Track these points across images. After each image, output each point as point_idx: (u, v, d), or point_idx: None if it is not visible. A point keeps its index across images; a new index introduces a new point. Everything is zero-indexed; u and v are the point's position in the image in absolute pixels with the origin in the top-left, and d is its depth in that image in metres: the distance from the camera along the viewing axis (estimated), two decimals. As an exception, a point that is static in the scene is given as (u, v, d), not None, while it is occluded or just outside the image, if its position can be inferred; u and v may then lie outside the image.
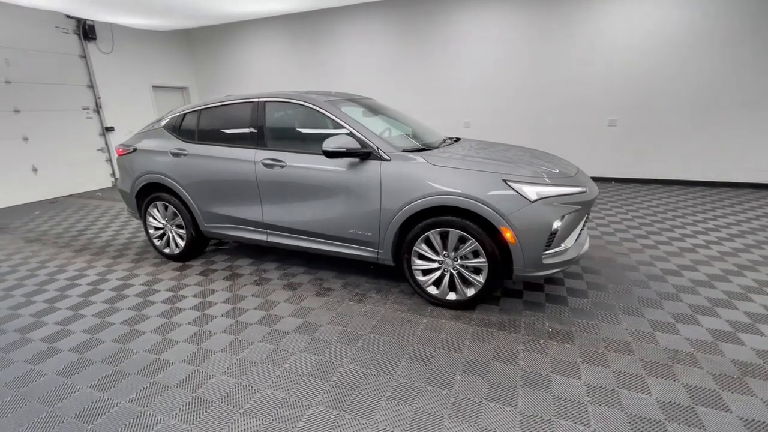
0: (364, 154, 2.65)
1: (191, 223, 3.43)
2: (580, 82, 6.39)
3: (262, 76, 8.80)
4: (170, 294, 3.00)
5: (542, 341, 2.26)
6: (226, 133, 3.26)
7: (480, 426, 1.68)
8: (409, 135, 3.39)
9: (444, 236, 2.51)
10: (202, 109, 3.39)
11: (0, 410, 1.86)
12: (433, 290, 2.65)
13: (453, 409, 1.78)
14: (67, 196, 7.00)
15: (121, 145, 3.74)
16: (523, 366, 2.06)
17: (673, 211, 4.75)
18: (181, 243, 3.55)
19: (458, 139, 3.59)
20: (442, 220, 2.47)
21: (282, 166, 2.91)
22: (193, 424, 1.74)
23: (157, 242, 3.68)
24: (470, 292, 2.55)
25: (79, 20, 7.07)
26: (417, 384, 1.95)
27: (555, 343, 2.24)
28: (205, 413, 1.80)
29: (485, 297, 2.54)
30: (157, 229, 3.65)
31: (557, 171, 2.60)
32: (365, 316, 2.59)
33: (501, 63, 6.79)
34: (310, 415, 1.77)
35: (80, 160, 7.32)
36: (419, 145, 3.00)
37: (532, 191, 2.32)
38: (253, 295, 2.93)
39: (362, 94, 3.98)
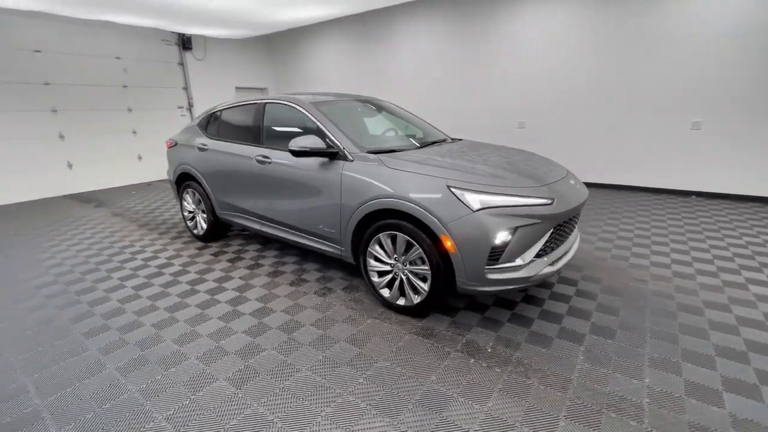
0: (330, 153, 2.75)
1: (210, 210, 3.92)
2: (659, 80, 5.46)
3: (327, 76, 9.36)
4: (180, 269, 3.50)
5: (472, 361, 2.11)
6: (236, 132, 3.65)
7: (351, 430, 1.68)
8: (410, 135, 3.38)
9: (394, 240, 2.48)
10: (222, 109, 3.84)
11: (126, 367, 2.17)
12: (385, 293, 2.64)
13: (335, 408, 1.80)
14: (160, 180, 8.42)
15: (169, 139, 4.42)
16: (433, 380, 1.96)
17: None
18: (205, 226, 4.07)
19: (459, 140, 3.48)
20: (391, 223, 2.44)
21: (269, 163, 3.17)
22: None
23: (189, 223, 4.29)
24: (417, 299, 2.48)
25: (179, 34, 8.41)
26: (318, 378, 2.00)
27: (484, 364, 2.08)
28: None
29: (432, 305, 2.44)
30: (189, 212, 4.25)
31: (527, 179, 2.36)
32: (317, 309, 2.70)
33: (564, 61, 6.16)
34: (215, 387, 1.96)
35: (174, 151, 8.73)
36: (404, 145, 3.00)
37: (474, 200, 2.17)
38: (239, 277, 3.26)
39: (401, 93, 4.04)
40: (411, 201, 2.30)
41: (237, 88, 9.82)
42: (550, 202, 2.27)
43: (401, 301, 2.56)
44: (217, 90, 9.28)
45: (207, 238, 4.12)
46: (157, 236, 4.47)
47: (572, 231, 2.73)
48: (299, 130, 3.14)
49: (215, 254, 3.82)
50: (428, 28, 7.42)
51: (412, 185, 2.35)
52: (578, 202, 2.46)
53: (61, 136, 7.06)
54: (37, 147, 6.79)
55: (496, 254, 2.17)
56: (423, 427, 1.68)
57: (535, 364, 2.07)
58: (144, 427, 1.73)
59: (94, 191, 7.38)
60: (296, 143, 2.70)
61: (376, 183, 2.49)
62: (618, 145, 5.99)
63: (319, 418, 1.75)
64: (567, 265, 2.93)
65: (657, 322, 2.40)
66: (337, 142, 2.77)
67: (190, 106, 8.88)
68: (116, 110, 7.73)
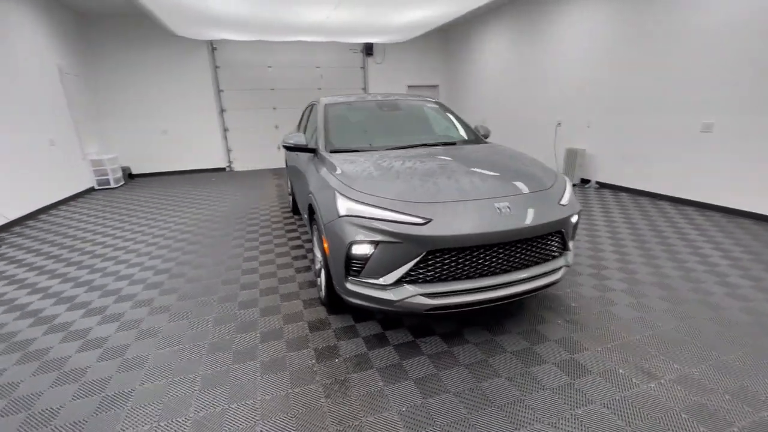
0: (310, 149, 3.09)
1: (292, 199, 4.88)
2: None
3: (491, 70, 9.00)
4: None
5: (323, 376, 2.13)
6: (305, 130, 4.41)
7: (165, 404, 1.90)
8: (415, 136, 3.31)
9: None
10: (305, 110, 4.67)
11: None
12: (317, 282, 2.83)
13: (146, 375, 2.26)
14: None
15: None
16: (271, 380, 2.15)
17: None
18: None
19: (484, 143, 3.19)
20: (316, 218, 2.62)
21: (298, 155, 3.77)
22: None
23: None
24: (322, 292, 2.58)
25: (365, 44, 10.00)
26: (165, 353, 2.52)
27: (334, 386, 2.04)
28: (157, 283, 3.22)
29: (339, 303, 2.47)
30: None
31: (425, 195, 2.06)
32: (251, 288, 3.10)
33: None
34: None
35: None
36: (382, 145, 3.03)
37: (342, 205, 2.11)
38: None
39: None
40: (313, 198, 2.43)
41: (409, 86, 10.79)
42: (421, 222, 1.93)
43: (322, 293, 2.71)
44: (390, 88, 10.52)
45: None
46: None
47: (503, 265, 2.11)
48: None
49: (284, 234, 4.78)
50: (591, 17, 6.05)
51: (321, 184, 2.45)
52: (492, 229, 1.93)
53: (276, 127, 9.89)
54: (261, 134, 9.79)
55: (358, 265, 2.06)
56: (212, 418, 1.97)
57: (396, 392, 1.90)
58: None
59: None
60: (286, 140, 3.18)
61: (311, 178, 2.70)
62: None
63: (176, 349, 2.29)
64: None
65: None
66: (315, 139, 3.08)
67: (367, 103, 10.49)
68: (312, 107, 10.11)
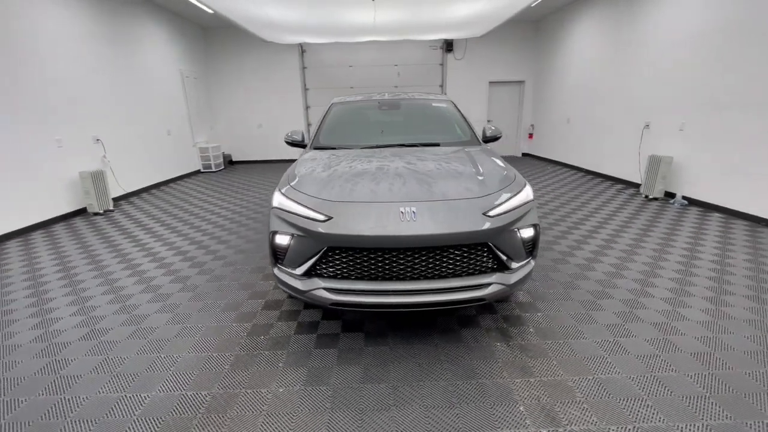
0: (303, 145, 3.36)
1: None
2: None
3: (577, 65, 8.03)
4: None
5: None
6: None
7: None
8: (407, 136, 3.33)
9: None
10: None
11: (198, 224, 4.85)
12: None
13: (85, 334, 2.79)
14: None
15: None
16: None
17: None
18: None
19: (475, 146, 3.14)
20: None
21: None
22: (180, 251, 3.92)
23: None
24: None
25: (445, 40, 9.84)
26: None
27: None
28: (186, 251, 3.91)
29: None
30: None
31: (348, 194, 2.14)
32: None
33: None
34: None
35: (423, 138, 10.66)
36: (367, 143, 3.13)
37: (275, 199, 2.31)
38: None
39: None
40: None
41: (491, 82, 10.27)
42: (322, 219, 2.01)
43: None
44: (469, 85, 10.18)
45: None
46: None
47: (410, 272, 2.05)
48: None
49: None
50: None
51: (285, 176, 2.66)
52: (390, 233, 1.91)
53: (353, 122, 10.48)
54: (340, 129, 10.49)
55: (280, 254, 2.24)
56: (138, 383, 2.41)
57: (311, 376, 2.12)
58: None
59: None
60: (287, 135, 3.49)
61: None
62: None
63: (160, 304, 2.83)
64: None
65: None
66: (311, 136, 3.33)
67: (443, 100, 10.34)
68: (388, 104, 10.41)
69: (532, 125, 10.41)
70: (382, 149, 2.99)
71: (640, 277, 3.06)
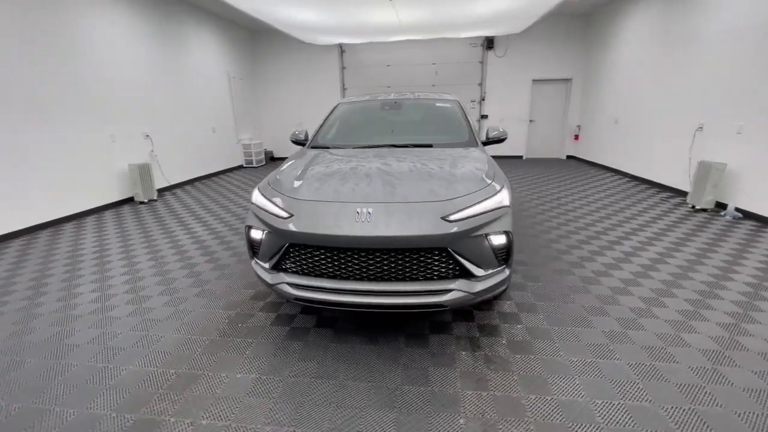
0: (303, 143, 3.47)
1: None
2: None
3: (627, 61, 7.39)
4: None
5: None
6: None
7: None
8: (404, 136, 3.32)
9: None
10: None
11: (223, 216, 5.19)
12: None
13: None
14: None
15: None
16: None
17: None
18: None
19: (472, 149, 3.07)
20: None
21: None
22: (199, 240, 4.23)
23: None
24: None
25: (486, 38, 9.53)
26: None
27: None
28: (204, 240, 4.21)
29: None
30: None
31: (315, 193, 2.20)
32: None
33: None
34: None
35: (459, 138, 10.43)
36: (364, 144, 3.17)
37: (254, 195, 2.42)
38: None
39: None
40: (263, 185, 2.82)
41: (535, 80, 9.77)
42: (285, 216, 2.08)
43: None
44: (510, 83, 9.78)
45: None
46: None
47: (367, 272, 2.06)
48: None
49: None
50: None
51: (272, 173, 2.78)
52: (345, 233, 1.93)
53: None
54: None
55: (255, 248, 2.36)
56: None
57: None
58: (163, 256, 3.78)
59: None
60: (293, 134, 3.62)
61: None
62: None
63: (164, 287, 3.09)
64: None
65: None
66: (312, 135, 3.43)
67: (482, 99, 10.04)
68: (424, 104, 10.31)
69: (579, 126, 9.75)
70: (372, 149, 3.00)
71: (651, 295, 2.78)
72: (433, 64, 9.99)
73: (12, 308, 2.81)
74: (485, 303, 2.70)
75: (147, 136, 6.48)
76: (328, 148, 3.17)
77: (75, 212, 5.21)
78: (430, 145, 3.04)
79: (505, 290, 2.62)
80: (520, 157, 10.38)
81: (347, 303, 2.05)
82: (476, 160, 2.62)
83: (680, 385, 1.90)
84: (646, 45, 6.72)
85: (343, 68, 10.33)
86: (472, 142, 3.14)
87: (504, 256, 2.16)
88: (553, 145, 10.30)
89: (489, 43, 9.56)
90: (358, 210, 2.02)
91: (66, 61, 5.02)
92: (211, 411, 1.80)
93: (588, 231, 4.24)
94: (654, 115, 6.49)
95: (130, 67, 6.11)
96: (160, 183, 6.78)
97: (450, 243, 1.98)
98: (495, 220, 2.09)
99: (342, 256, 2.04)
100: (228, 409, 1.80)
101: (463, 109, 3.59)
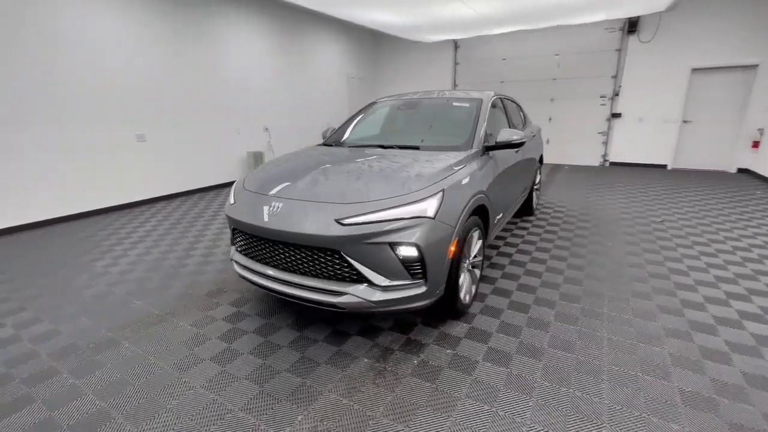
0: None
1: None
2: None
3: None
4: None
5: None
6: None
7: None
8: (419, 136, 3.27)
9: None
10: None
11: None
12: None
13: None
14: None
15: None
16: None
17: None
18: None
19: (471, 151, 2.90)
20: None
21: None
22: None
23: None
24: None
25: (627, 19, 7.88)
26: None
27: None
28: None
29: None
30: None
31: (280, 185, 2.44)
32: None
33: None
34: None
35: (581, 138, 9.00)
36: (376, 143, 3.22)
37: (233, 186, 2.81)
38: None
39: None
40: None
41: (695, 69, 7.63)
42: (231, 202, 2.41)
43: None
44: (658, 75, 7.91)
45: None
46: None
47: (277, 261, 2.20)
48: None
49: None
50: None
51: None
52: (255, 222, 2.15)
53: (500, 120, 9.86)
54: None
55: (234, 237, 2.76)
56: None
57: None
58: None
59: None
60: (324, 132, 3.91)
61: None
62: None
63: (207, 251, 3.88)
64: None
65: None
66: (334, 132, 3.69)
67: (615, 94, 8.40)
68: (541, 101, 9.24)
69: (761, 130, 7.18)
70: (358, 149, 3.07)
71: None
72: (556, 55, 8.83)
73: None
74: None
75: (266, 129, 7.86)
76: (330, 146, 3.38)
77: (203, 186, 6.81)
78: (417, 148, 2.92)
79: (434, 306, 2.24)
80: (664, 166, 8.31)
81: (267, 287, 2.26)
82: (430, 165, 2.41)
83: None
84: None
85: (456, 64, 10.14)
86: (467, 146, 2.83)
87: (417, 269, 2.01)
88: (716, 153, 7.88)
89: (631, 26, 7.89)
90: (273, 204, 2.20)
91: (209, 73, 6.56)
92: (128, 372, 2.30)
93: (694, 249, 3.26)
94: None
95: (257, 74, 7.50)
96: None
97: (342, 246, 1.97)
98: (404, 229, 1.97)
99: (257, 243, 2.27)
100: (137, 364, 2.27)
101: (479, 110, 3.22)
